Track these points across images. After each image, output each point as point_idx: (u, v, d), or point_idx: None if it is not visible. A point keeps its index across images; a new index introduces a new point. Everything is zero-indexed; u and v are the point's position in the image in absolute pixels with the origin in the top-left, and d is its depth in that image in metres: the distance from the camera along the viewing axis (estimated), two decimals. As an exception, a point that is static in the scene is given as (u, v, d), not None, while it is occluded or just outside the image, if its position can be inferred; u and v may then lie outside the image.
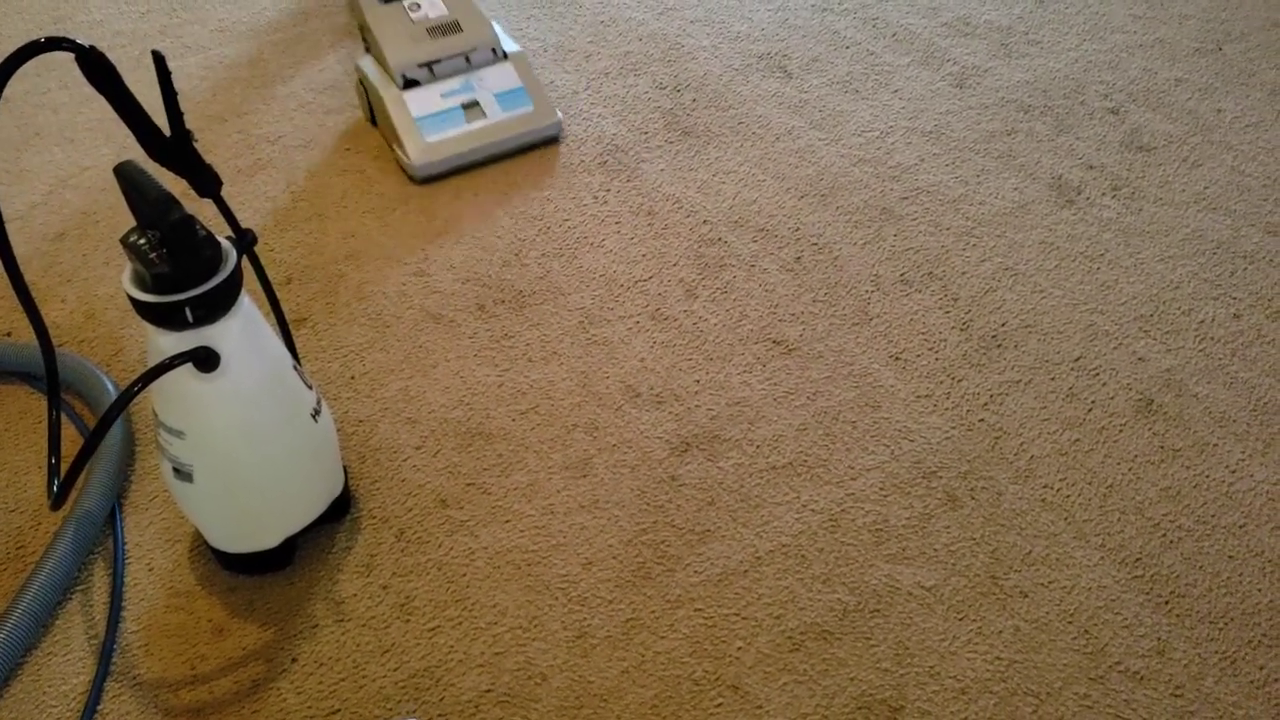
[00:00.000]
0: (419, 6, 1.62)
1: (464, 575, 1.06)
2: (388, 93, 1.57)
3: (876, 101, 1.70)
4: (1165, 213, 1.46)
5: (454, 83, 1.59)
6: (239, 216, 1.51)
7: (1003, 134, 1.62)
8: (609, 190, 1.54)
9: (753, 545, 1.07)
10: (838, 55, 1.82)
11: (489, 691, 0.97)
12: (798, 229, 1.46)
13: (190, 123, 1.71)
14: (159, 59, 0.84)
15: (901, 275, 1.38)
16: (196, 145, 0.89)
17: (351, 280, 1.41)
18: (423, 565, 1.07)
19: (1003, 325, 1.30)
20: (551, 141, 1.63)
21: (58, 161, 1.66)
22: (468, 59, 1.60)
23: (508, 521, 1.11)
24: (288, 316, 1.35)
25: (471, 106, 1.58)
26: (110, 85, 0.81)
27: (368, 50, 1.66)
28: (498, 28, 1.65)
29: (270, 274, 1.42)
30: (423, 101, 1.57)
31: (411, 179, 1.56)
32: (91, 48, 0.79)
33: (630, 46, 1.86)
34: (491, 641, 1.00)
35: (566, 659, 0.99)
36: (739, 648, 0.99)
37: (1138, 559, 1.05)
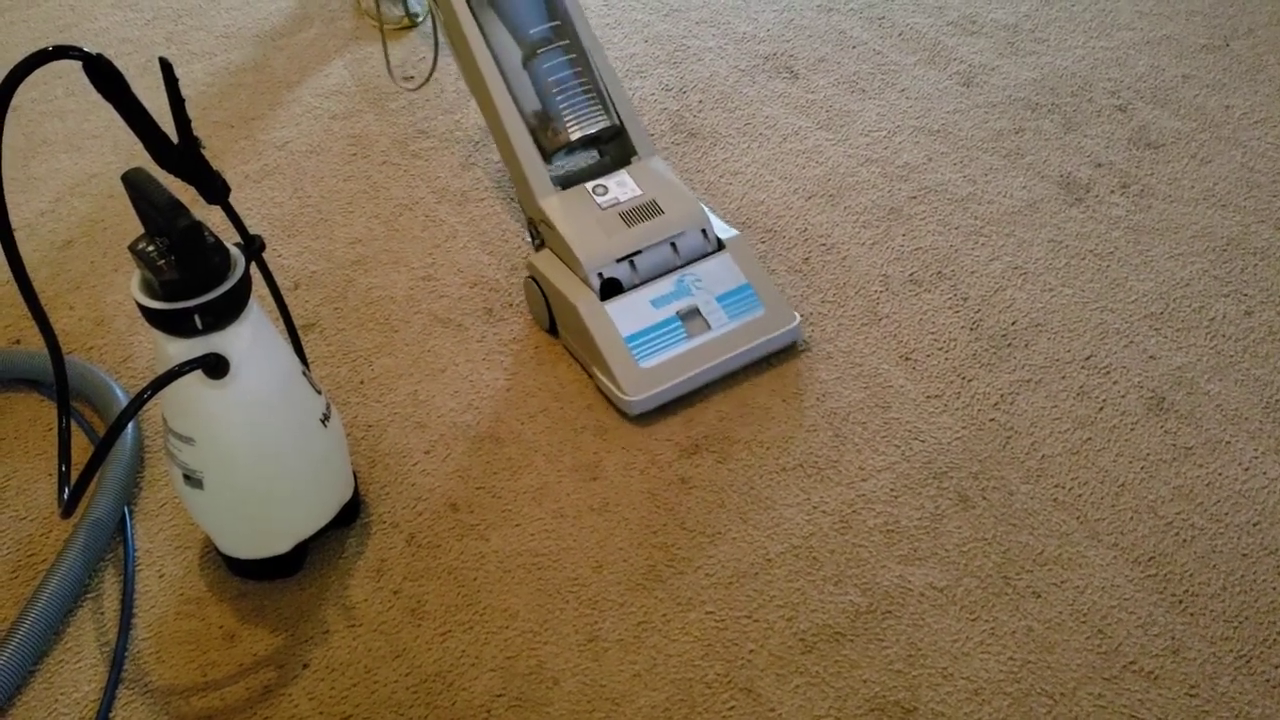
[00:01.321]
0: (606, 189, 1.31)
1: (475, 579, 1.06)
2: (584, 304, 1.23)
3: (883, 101, 1.70)
4: (1174, 210, 1.45)
5: (664, 285, 1.26)
6: (247, 222, 1.51)
7: (1010, 132, 1.61)
8: (616, 192, 1.53)
9: (763, 547, 1.07)
10: (844, 55, 1.81)
11: (501, 695, 0.96)
12: (805, 229, 1.45)
13: (197, 129, 1.72)
14: (166, 66, 0.84)
15: (910, 275, 1.37)
16: (204, 152, 0.89)
17: (359, 285, 1.41)
18: (433, 569, 1.07)
19: (1013, 324, 1.30)
20: (788, 350, 1.30)
21: (65, 169, 1.66)
22: (674, 246, 1.28)
23: (518, 525, 1.11)
24: (296, 322, 1.35)
25: (690, 315, 1.25)
26: (118, 93, 0.82)
27: (539, 246, 1.34)
28: (707, 210, 1.32)
29: (279, 280, 1.42)
30: (630, 314, 1.23)
31: (623, 415, 1.22)
32: (99, 55, 0.80)
33: (635, 48, 1.86)
34: (503, 645, 1.00)
35: (578, 662, 0.99)
36: (751, 650, 0.99)
37: (1151, 558, 1.05)
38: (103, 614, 1.05)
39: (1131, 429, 1.17)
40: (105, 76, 0.81)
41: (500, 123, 1.31)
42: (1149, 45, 1.79)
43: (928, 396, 1.21)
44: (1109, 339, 1.27)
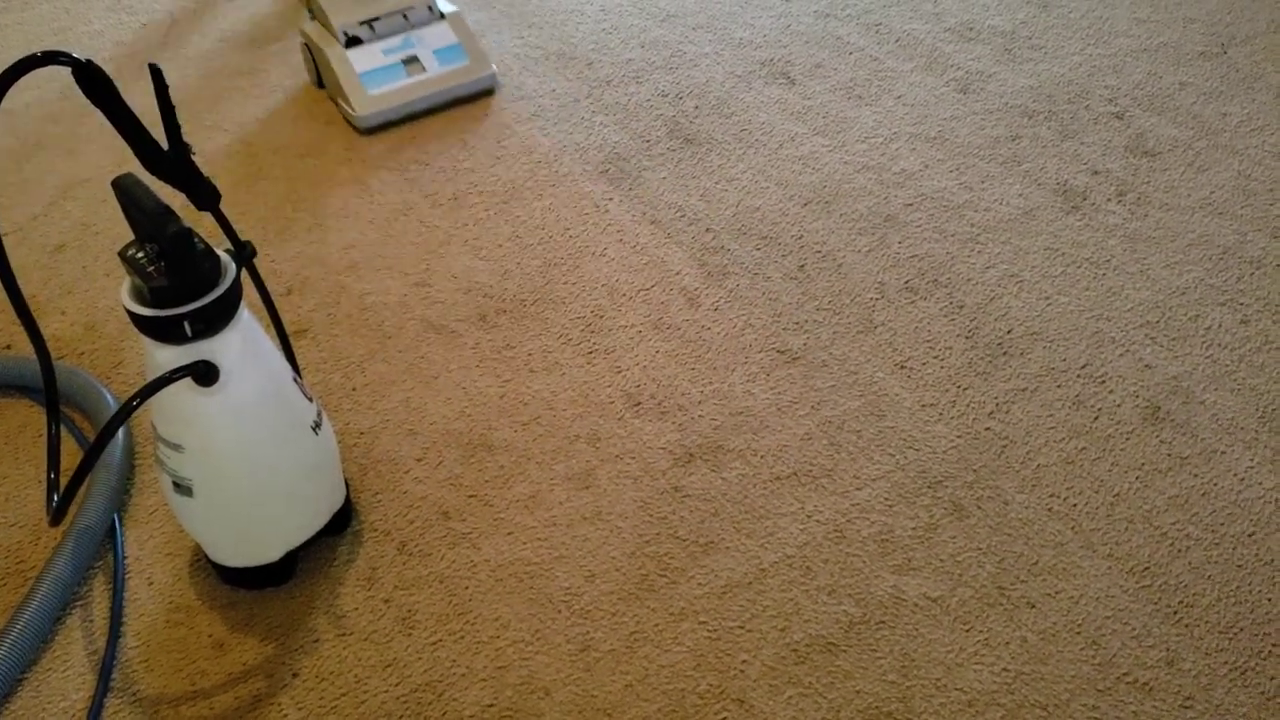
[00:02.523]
0: None
1: (466, 588, 1.05)
2: (332, 51, 1.68)
3: (880, 108, 1.69)
4: (1171, 218, 1.45)
5: (394, 40, 1.72)
6: (239, 227, 1.51)
7: (1007, 139, 1.61)
8: (610, 199, 1.53)
9: (757, 557, 1.06)
10: (841, 61, 1.81)
11: (491, 706, 0.96)
12: (801, 236, 1.45)
13: (191, 133, 1.71)
14: (156, 72, 0.83)
15: (906, 283, 1.37)
16: (195, 158, 0.89)
17: (353, 291, 1.40)
18: (425, 578, 1.06)
19: (1008, 333, 1.29)
20: (487, 93, 1.76)
21: (59, 172, 1.66)
22: (406, 17, 1.73)
23: (510, 533, 1.10)
24: (288, 328, 1.35)
25: (411, 61, 1.71)
26: (107, 99, 0.81)
27: (312, 17, 1.77)
28: None
29: (271, 285, 1.42)
30: (366, 58, 1.69)
31: (356, 130, 1.69)
32: (89, 61, 0.79)
33: (632, 54, 1.85)
34: (494, 655, 1.00)
35: (570, 673, 0.98)
36: (744, 661, 0.98)
37: (1146, 568, 1.04)
38: (91, 622, 1.04)
39: (1127, 438, 1.16)
40: (95, 82, 0.80)
41: None
42: (1146, 53, 1.79)
43: (923, 405, 1.21)
44: (1105, 348, 1.27)
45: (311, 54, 1.77)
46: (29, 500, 1.16)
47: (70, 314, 1.39)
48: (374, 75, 1.69)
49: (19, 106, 1.81)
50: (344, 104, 1.69)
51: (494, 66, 1.76)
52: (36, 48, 1.93)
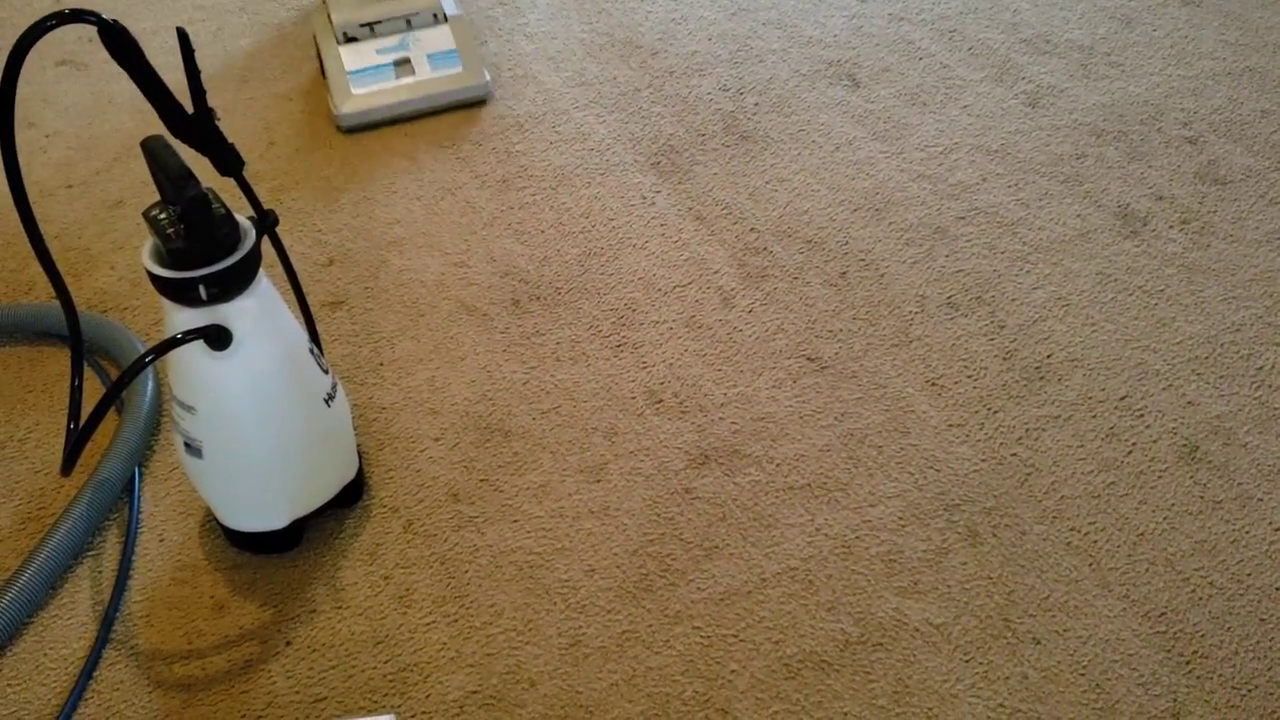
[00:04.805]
0: None
1: (466, 572, 1.05)
2: (326, 44, 1.68)
3: (944, 116, 1.65)
4: (1235, 250, 1.39)
5: (390, 40, 1.69)
6: (290, 195, 1.53)
7: (1071, 157, 1.56)
8: (659, 191, 1.52)
9: (760, 566, 1.05)
10: (909, 66, 1.77)
11: (475, 692, 0.96)
12: (847, 243, 1.42)
13: (254, 100, 1.74)
14: (183, 36, 0.84)
15: (948, 298, 1.34)
16: (219, 124, 0.89)
17: (393, 266, 1.41)
18: (426, 558, 1.06)
19: (1048, 357, 1.25)
20: (479, 103, 1.71)
21: (126, 129, 1.69)
22: (409, 22, 1.70)
23: (515, 521, 1.10)
24: (327, 299, 1.36)
25: (402, 64, 1.68)
26: (133, 60, 0.82)
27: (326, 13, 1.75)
28: None
29: (314, 255, 1.43)
30: (357, 56, 1.67)
31: (337, 128, 1.66)
32: (114, 22, 0.80)
33: (698, 46, 1.83)
34: (484, 641, 0.99)
35: (557, 666, 0.97)
36: (733, 670, 0.97)
37: (1162, 613, 1.00)
38: (100, 573, 1.06)
39: (1159, 476, 1.12)
40: (121, 43, 0.81)
41: None
42: (1229, 76, 1.72)
43: (950, 425, 1.18)
44: (1147, 380, 1.22)
45: (316, 46, 1.74)
46: (57, 448, 1.19)
47: (119, 269, 1.42)
48: (362, 74, 1.67)
49: (97, 62, 1.85)
50: (329, 99, 1.67)
51: (487, 76, 1.71)
52: (121, 5, 1.97)
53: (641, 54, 1.82)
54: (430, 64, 1.68)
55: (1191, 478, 1.12)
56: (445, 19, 1.72)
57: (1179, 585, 1.02)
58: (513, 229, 1.46)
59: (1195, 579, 1.03)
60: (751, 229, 1.44)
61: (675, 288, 1.36)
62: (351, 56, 1.67)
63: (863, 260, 1.39)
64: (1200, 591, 1.02)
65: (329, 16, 1.70)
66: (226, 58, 1.81)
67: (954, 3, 1.93)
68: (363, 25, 1.67)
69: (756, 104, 1.69)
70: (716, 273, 1.38)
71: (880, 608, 1.01)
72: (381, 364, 1.27)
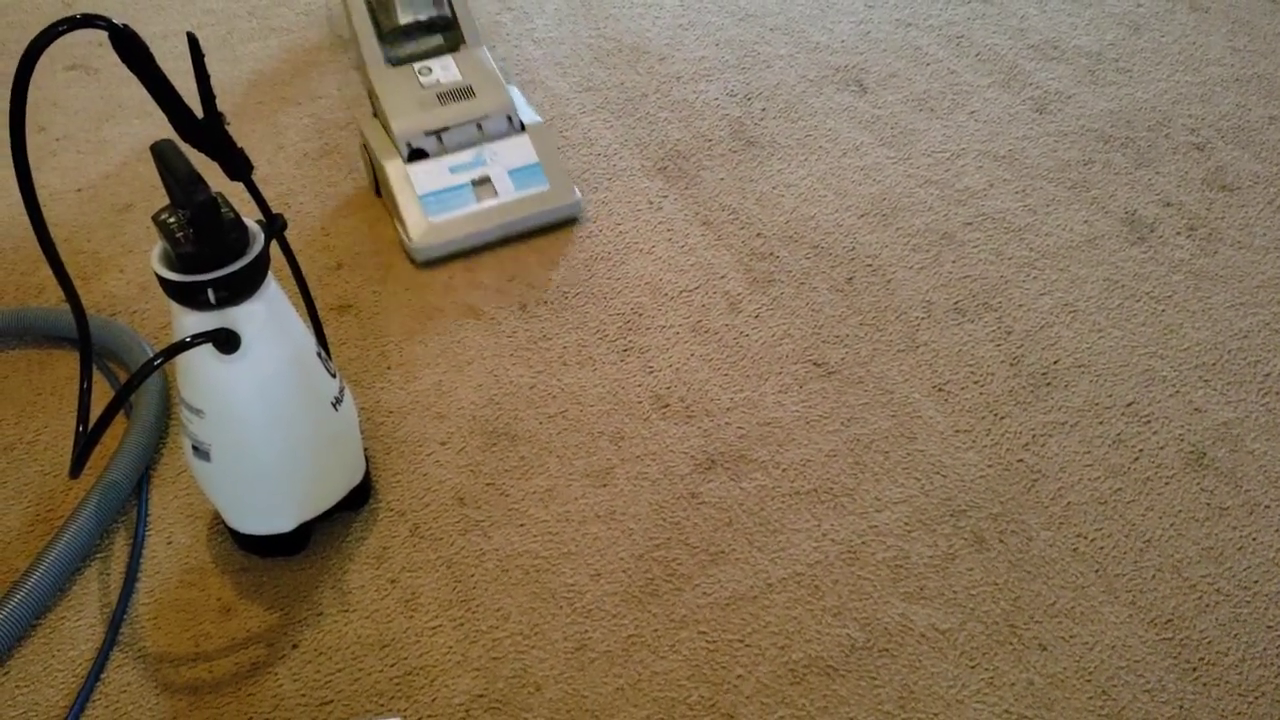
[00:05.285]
0: (430, 71, 1.50)
1: (472, 575, 1.05)
2: (391, 164, 1.44)
3: (951, 122, 1.66)
4: (1242, 257, 1.39)
5: (464, 156, 1.46)
6: (302, 199, 1.53)
7: (1079, 163, 1.56)
8: (665, 196, 1.52)
9: (765, 571, 1.05)
10: (916, 72, 1.77)
11: (481, 696, 0.96)
12: (853, 248, 1.42)
13: (262, 104, 1.74)
14: (193, 41, 0.85)
15: (955, 303, 1.34)
16: (229, 128, 0.90)
17: (401, 270, 1.41)
18: (433, 562, 1.07)
19: (1055, 363, 1.25)
20: (569, 223, 1.49)
21: (135, 133, 1.70)
22: (480, 127, 1.48)
23: (522, 525, 1.10)
24: (334, 302, 1.36)
25: (482, 183, 1.45)
26: (143, 65, 0.82)
27: (375, 114, 1.54)
28: (517, 96, 1.54)
29: (323, 259, 1.43)
30: (429, 176, 1.44)
31: (412, 261, 1.44)
32: (125, 27, 0.80)
33: (706, 51, 1.83)
34: (491, 645, 1.00)
35: (563, 671, 0.98)
36: (739, 675, 0.97)
37: (1169, 620, 1.00)
38: (109, 575, 1.07)
39: (1166, 483, 1.12)
40: (131, 48, 0.81)
41: (346, 3, 1.53)
42: (1238, 83, 1.72)
43: (956, 431, 1.18)
44: (1154, 387, 1.22)
45: (370, 158, 1.51)
46: (66, 450, 1.19)
47: (129, 272, 1.43)
48: (437, 198, 1.42)
49: (107, 66, 1.86)
50: (400, 228, 1.43)
51: (578, 194, 1.47)
52: (130, 9, 1.98)
53: (649, 59, 1.83)
54: (513, 181, 1.45)
55: (1198, 484, 1.12)
56: (523, 127, 1.50)
57: (1186, 592, 1.02)
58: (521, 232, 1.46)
59: (1202, 585, 1.03)
60: (758, 234, 1.45)
61: (682, 292, 1.36)
62: (423, 177, 1.44)
63: (869, 265, 1.40)
64: (1207, 598, 1.02)
65: (387, 127, 1.47)
66: (235, 62, 1.82)
67: (961, 9, 1.93)
68: (429, 133, 1.45)
69: (763, 109, 1.69)
70: (723, 278, 1.38)
71: (886, 613, 1.01)
72: (389, 367, 1.28)
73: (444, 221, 1.42)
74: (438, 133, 1.45)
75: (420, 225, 1.41)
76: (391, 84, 1.48)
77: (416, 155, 1.45)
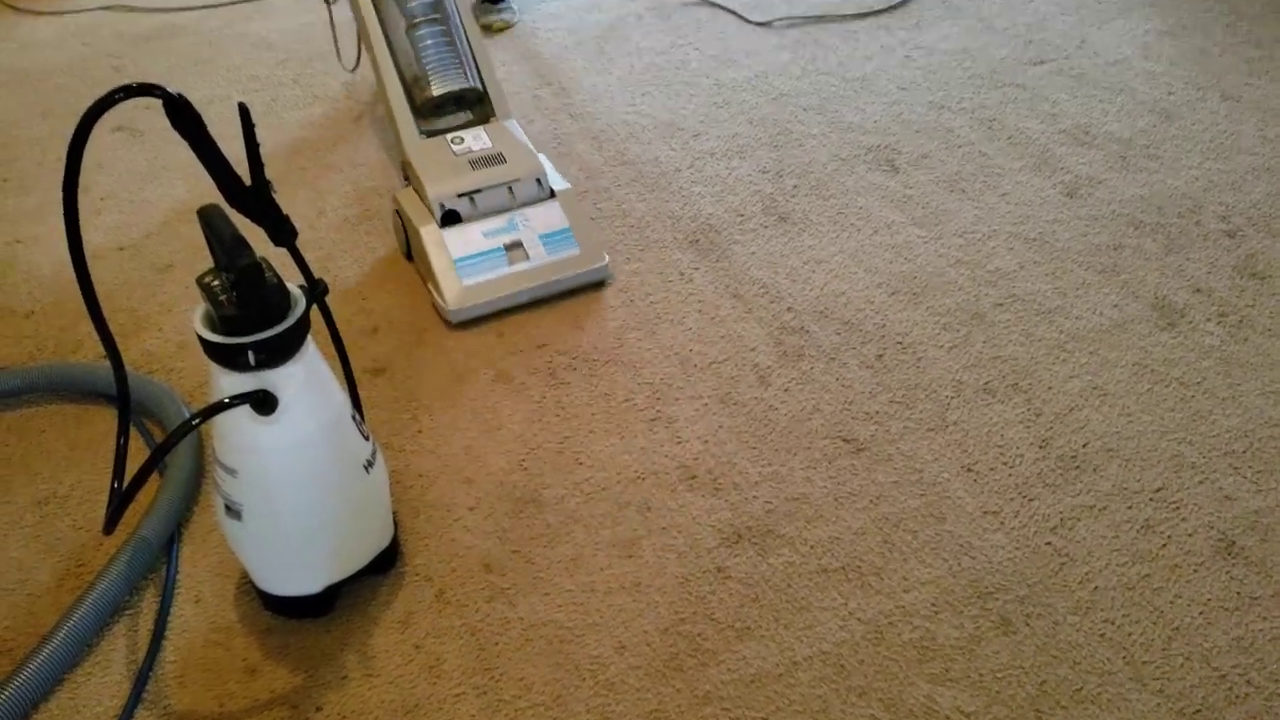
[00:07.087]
0: (462, 139, 1.56)
1: (496, 644, 1.05)
2: (427, 230, 1.48)
3: (983, 203, 1.67)
4: (1273, 344, 1.39)
5: (497, 221, 1.50)
6: (341, 264, 1.56)
7: (1109, 248, 1.57)
8: (697, 269, 1.54)
9: (791, 649, 1.04)
10: (948, 154, 1.79)
11: (502, 766, 0.95)
12: (884, 325, 1.43)
13: (305, 170, 1.78)
14: (244, 111, 0.87)
15: (985, 384, 1.34)
16: (275, 196, 0.92)
17: (434, 335, 1.43)
18: (457, 628, 1.07)
19: (1084, 446, 1.25)
20: (598, 286, 1.52)
21: (178, 195, 1.74)
22: (511, 191, 1.51)
23: (547, 594, 1.10)
24: (370, 365, 1.38)
25: (514, 247, 1.49)
26: (194, 131, 0.85)
27: (406, 182, 1.59)
28: (547, 163, 1.58)
29: (359, 322, 1.46)
30: (463, 240, 1.48)
31: (446, 322, 1.47)
32: (179, 95, 0.83)
33: (739, 129, 1.86)
34: (513, 715, 0.99)
35: (585, 743, 0.97)
36: (762, 754, 0.96)
37: (1197, 710, 0.99)
38: (136, 632, 1.07)
39: (1195, 570, 1.11)
40: (184, 115, 0.84)
41: (382, 79, 1.60)
42: (1269, 172, 1.73)
43: (985, 512, 1.18)
44: (1183, 473, 1.22)
45: (404, 225, 1.55)
46: (100, 506, 1.20)
47: (167, 331, 1.45)
48: (471, 262, 1.46)
49: (155, 129, 1.90)
50: (434, 290, 1.46)
51: (606, 258, 1.52)
52: (179, 73, 2.03)
53: (683, 135, 1.86)
54: (544, 245, 1.49)
55: (1228, 573, 1.11)
56: (553, 193, 1.55)
57: (1215, 682, 1.01)
58: (552, 300, 1.48)
59: (1232, 676, 1.01)
60: (789, 308, 1.46)
61: (711, 364, 1.37)
62: (457, 241, 1.47)
63: (900, 343, 1.40)
64: (1237, 689, 1.00)
65: (420, 192, 1.52)
66: (279, 129, 1.86)
67: (994, 93, 1.96)
68: (461, 195, 1.49)
69: (795, 186, 1.72)
70: (753, 350, 1.39)
71: (911, 695, 1.00)
72: (420, 431, 1.29)
73: (477, 284, 1.45)
74: (470, 195, 1.49)
75: (454, 288, 1.45)
76: (425, 153, 1.54)
77: (450, 219, 1.49)
